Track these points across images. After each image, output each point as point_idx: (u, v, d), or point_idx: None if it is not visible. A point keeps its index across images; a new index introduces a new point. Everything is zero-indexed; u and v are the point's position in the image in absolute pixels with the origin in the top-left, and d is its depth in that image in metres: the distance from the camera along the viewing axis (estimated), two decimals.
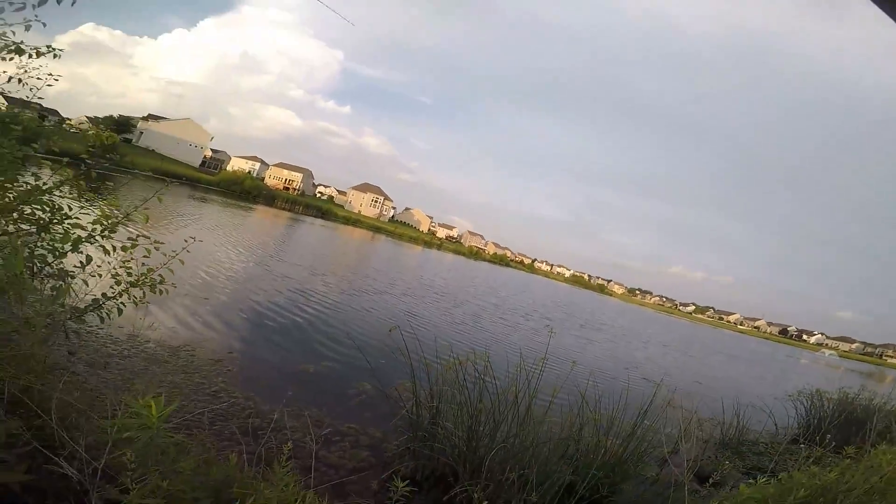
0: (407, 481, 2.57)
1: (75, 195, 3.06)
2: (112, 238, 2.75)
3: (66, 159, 3.03)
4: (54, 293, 2.28)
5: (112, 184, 4.11)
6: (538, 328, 14.38)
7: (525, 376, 3.64)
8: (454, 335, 9.78)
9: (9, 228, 2.49)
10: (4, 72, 2.98)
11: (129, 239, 2.79)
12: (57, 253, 2.49)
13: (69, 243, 2.49)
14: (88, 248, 2.69)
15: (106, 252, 2.70)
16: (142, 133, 70.66)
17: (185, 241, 3.35)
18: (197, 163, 77.12)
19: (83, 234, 2.61)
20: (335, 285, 12.40)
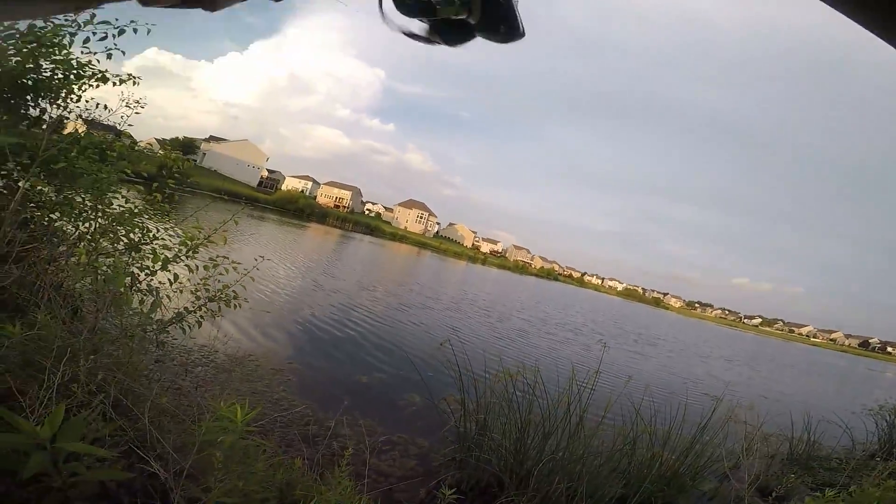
0: (453, 490, 2.63)
1: (157, 216, 3.44)
2: (194, 258, 3.07)
3: (155, 183, 3.41)
4: (149, 307, 2.59)
5: (176, 203, 4.52)
6: (588, 343, 13.96)
7: (576, 390, 3.62)
8: (501, 350, 9.72)
9: (107, 248, 2.86)
10: (92, 98, 3.39)
11: (210, 259, 3.09)
12: (148, 271, 2.82)
13: (159, 262, 2.82)
14: (175, 267, 3.02)
15: (191, 270, 3.01)
16: (205, 154, 76.33)
17: (255, 259, 3.66)
18: (255, 182, 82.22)
19: (170, 254, 2.94)
20: (384, 300, 12.76)
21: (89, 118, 3.57)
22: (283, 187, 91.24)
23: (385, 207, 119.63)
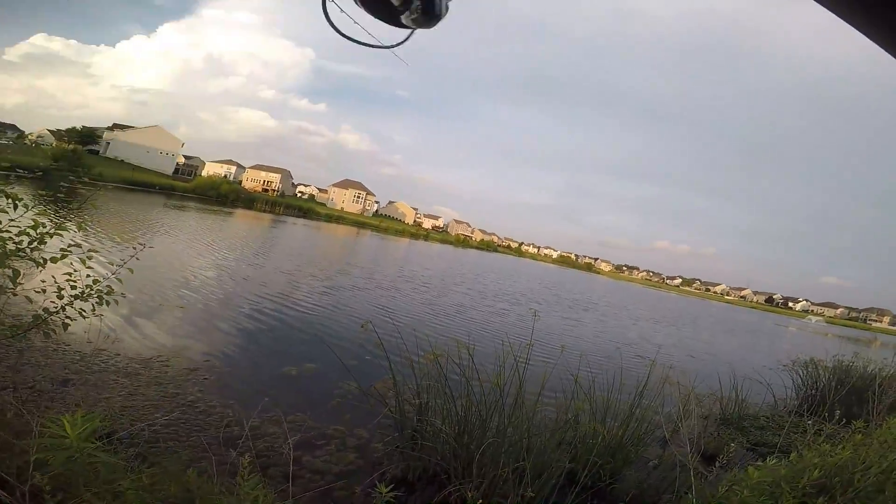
0: (391, 486, 2.39)
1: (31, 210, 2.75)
2: (41, 249, 2.46)
3: (39, 172, 2.71)
4: None
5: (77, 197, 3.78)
6: (525, 313, 14.28)
7: (513, 365, 3.48)
8: (437, 327, 9.59)
9: None
10: None
11: (62, 250, 2.50)
12: None
13: None
14: (17, 263, 2.40)
15: (38, 265, 2.42)
16: (108, 143, 68.29)
17: (134, 248, 3.06)
18: (170, 171, 75.08)
19: (11, 247, 2.33)
20: (316, 285, 12.10)
21: None
22: (204, 173, 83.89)
23: (319, 189, 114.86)
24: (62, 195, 3.42)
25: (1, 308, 2.26)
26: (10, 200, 2.65)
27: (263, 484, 1.97)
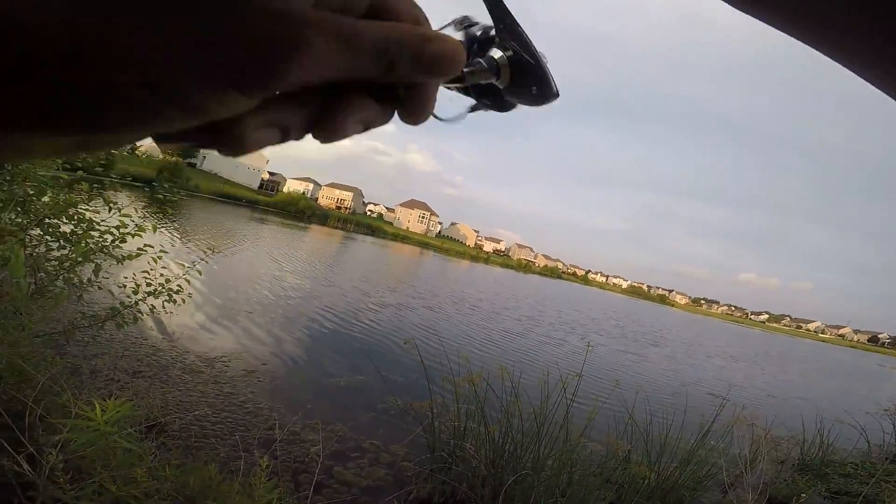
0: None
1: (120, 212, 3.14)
2: (121, 248, 2.77)
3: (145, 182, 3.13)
4: (55, 301, 2.30)
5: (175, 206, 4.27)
6: (581, 344, 13.58)
7: (559, 396, 3.30)
8: (487, 352, 9.40)
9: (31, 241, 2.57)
10: None
11: (139, 249, 2.80)
12: (67, 264, 2.54)
13: (80, 254, 2.53)
14: (100, 259, 2.72)
15: (117, 262, 2.72)
16: (205, 157, 76.54)
17: (204, 252, 3.36)
18: (255, 185, 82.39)
19: (94, 245, 2.65)
20: (377, 301, 12.44)
21: None
22: (285, 189, 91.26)
23: (387, 208, 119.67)
24: (160, 202, 3.83)
25: (66, 298, 2.56)
26: (106, 203, 3.04)
27: (281, 488, 2.01)
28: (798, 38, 0.29)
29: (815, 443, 5.49)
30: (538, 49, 0.39)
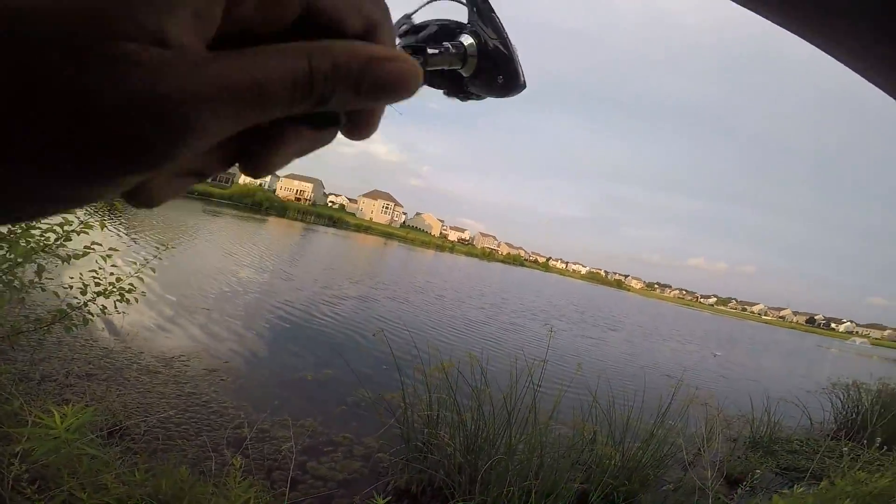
0: (393, 497, 2.34)
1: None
2: (66, 247, 2.58)
3: None
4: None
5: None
6: (543, 330, 14.01)
7: (527, 381, 3.40)
8: (453, 340, 9.51)
9: None
10: None
11: (85, 248, 2.61)
12: (6, 266, 2.33)
13: (19, 255, 2.33)
14: (42, 260, 2.53)
15: (62, 261, 2.54)
16: None
17: (157, 248, 3.19)
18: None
19: (35, 245, 2.45)
20: (340, 293, 12.25)
21: None
22: (240, 181, 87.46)
23: (349, 199, 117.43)
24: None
25: (22, 302, 2.37)
26: None
27: (257, 487, 1.97)
28: (796, 33, 0.29)
29: (763, 421, 5.83)
30: (510, 38, 0.38)
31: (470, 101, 0.42)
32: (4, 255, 2.47)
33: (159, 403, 3.69)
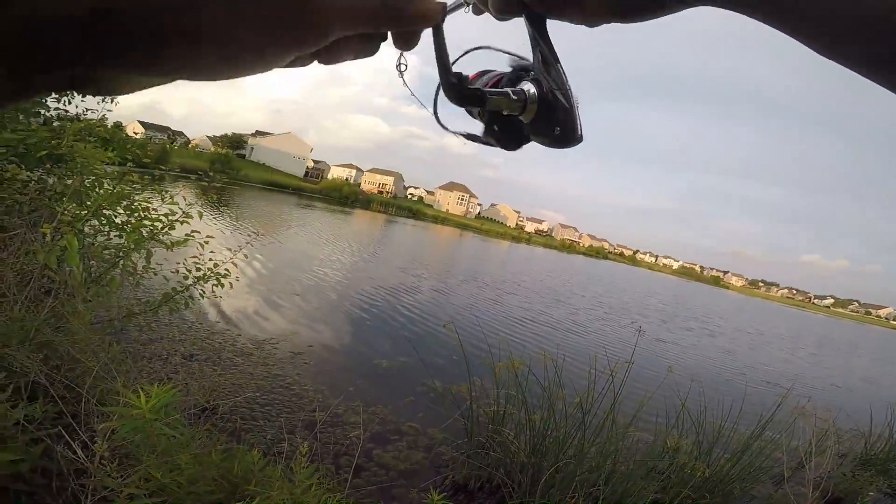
0: (450, 492, 2.29)
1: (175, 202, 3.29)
2: (170, 235, 2.88)
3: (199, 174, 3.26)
4: (112, 288, 2.41)
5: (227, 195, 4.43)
6: (627, 327, 13.09)
7: (608, 382, 3.16)
8: (528, 336, 9.23)
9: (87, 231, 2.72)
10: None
11: (186, 235, 2.89)
12: (122, 252, 2.66)
13: (132, 242, 2.64)
14: (151, 245, 2.84)
15: (168, 248, 2.83)
16: (252, 148, 79.75)
17: (250, 236, 3.45)
18: (301, 173, 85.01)
19: (145, 232, 2.76)
20: (419, 284, 12.55)
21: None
22: (329, 176, 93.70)
23: (427, 191, 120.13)
24: (205, 189, 3.99)
25: (119, 285, 2.68)
26: (157, 193, 3.17)
27: (321, 473, 2.02)
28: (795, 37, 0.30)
29: (882, 436, 5.12)
30: (572, 89, 0.38)
31: (514, 151, 0.43)
32: (122, 243, 2.81)
33: (248, 384, 4.01)
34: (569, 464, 2.71)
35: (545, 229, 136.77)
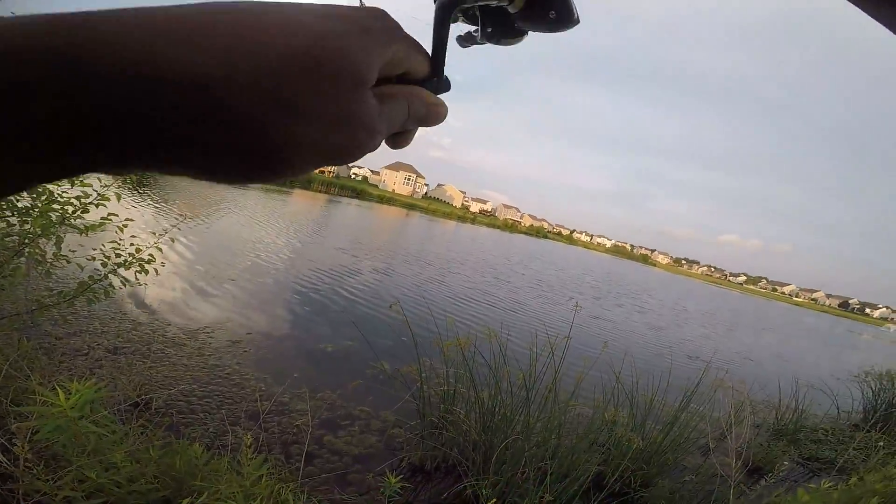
0: (407, 473, 2.34)
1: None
2: (83, 218, 2.59)
3: None
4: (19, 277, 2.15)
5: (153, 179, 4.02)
6: (565, 304, 13.85)
7: (547, 359, 3.32)
8: (472, 313, 9.48)
9: None
10: None
11: (102, 219, 2.62)
12: (27, 239, 2.36)
13: (38, 227, 2.35)
14: (62, 232, 2.55)
15: (81, 233, 2.55)
16: None
17: (176, 218, 3.19)
18: None
19: (54, 217, 2.47)
20: (362, 264, 12.36)
21: None
22: None
23: (372, 171, 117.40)
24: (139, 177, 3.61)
25: (26, 275, 2.41)
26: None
27: (271, 462, 1.98)
28: None
29: (789, 408, 5.65)
30: None
31: (509, 45, 0.42)
32: (27, 229, 2.50)
33: (183, 376, 3.79)
34: (517, 440, 2.84)
35: (489, 209, 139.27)
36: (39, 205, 2.65)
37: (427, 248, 22.51)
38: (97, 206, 2.73)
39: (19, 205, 2.68)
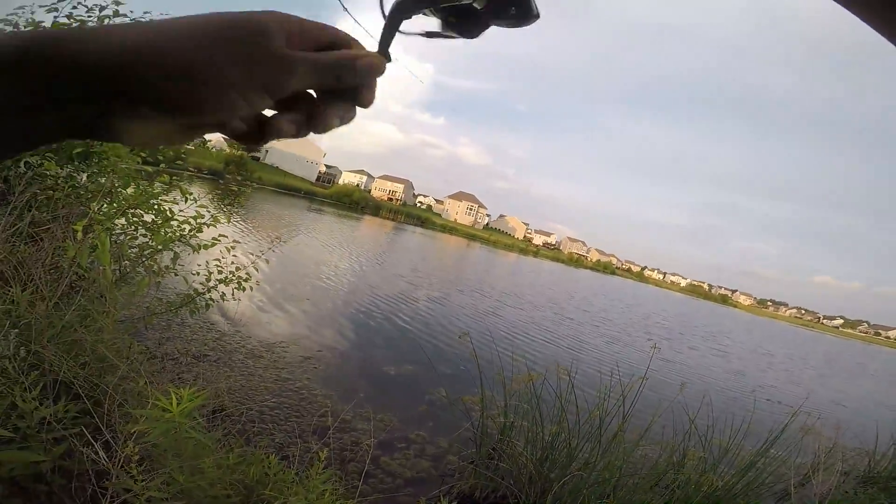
0: (455, 501, 2.29)
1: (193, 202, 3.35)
2: (197, 237, 2.94)
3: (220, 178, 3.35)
4: (138, 288, 2.47)
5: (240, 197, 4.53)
6: (638, 344, 12.98)
7: (619, 396, 3.16)
8: (538, 348, 9.19)
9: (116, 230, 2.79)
10: None
11: (213, 239, 2.96)
12: (148, 252, 2.72)
13: (159, 242, 2.71)
14: (178, 248, 2.91)
15: (194, 250, 2.89)
16: (267, 151, 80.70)
17: (272, 241, 3.52)
18: (313, 177, 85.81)
19: (173, 234, 2.83)
20: (427, 291, 12.58)
21: None
22: (340, 181, 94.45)
23: (436, 200, 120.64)
24: (234, 193, 4.05)
25: (146, 286, 2.74)
26: (183, 195, 3.24)
27: (335, 479, 2.04)
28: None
29: (886, 455, 5.13)
30: None
31: (474, 38, 0.44)
32: (148, 242, 2.88)
33: (258, 387, 4.05)
34: (577, 476, 2.71)
35: (553, 242, 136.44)
36: (160, 221, 3.06)
37: (488, 279, 22.42)
38: (209, 226, 3.10)
39: (145, 219, 3.12)
